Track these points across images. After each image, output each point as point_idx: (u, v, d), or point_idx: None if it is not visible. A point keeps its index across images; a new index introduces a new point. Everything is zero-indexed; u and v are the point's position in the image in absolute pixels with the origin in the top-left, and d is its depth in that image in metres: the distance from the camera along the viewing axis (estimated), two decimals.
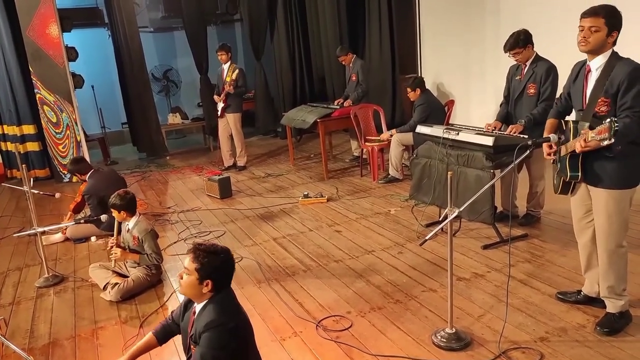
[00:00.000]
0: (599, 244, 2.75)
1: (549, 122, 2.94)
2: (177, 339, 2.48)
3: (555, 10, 5.86)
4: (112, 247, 3.74)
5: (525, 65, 4.05)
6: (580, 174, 2.67)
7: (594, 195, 2.70)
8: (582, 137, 2.52)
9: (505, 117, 4.24)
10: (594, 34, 2.53)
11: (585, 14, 2.56)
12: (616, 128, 2.29)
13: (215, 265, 2.11)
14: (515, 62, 4.13)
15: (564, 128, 2.80)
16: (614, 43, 2.57)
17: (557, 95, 3.09)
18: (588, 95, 2.65)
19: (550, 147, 2.77)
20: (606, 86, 2.54)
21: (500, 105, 4.35)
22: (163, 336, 2.44)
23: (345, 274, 3.76)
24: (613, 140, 2.33)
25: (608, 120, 2.32)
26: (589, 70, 2.66)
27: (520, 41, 3.92)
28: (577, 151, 2.56)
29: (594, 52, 2.59)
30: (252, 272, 3.92)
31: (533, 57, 4.01)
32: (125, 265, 3.86)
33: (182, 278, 2.16)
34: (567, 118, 2.88)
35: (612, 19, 2.52)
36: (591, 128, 2.51)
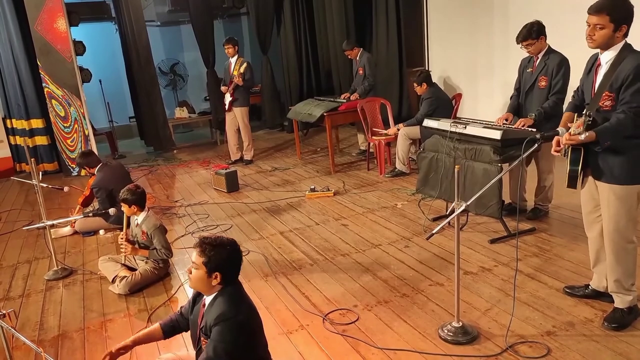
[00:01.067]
0: (606, 239, 2.73)
1: (565, 115, 2.91)
2: (186, 333, 2.50)
3: (564, 4, 5.80)
4: (122, 242, 3.77)
5: (537, 58, 4.01)
6: (579, 168, 2.65)
7: (600, 190, 2.68)
8: (569, 131, 2.53)
9: (517, 108, 4.20)
10: (599, 31, 2.48)
11: (591, 10, 2.50)
12: (589, 122, 2.31)
13: (222, 257, 2.12)
14: (527, 55, 4.09)
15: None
16: (626, 35, 2.51)
17: (573, 88, 3.05)
18: (596, 89, 2.62)
19: (559, 143, 2.75)
20: (612, 80, 2.50)
21: (511, 98, 4.31)
22: (169, 330, 2.44)
23: (351, 268, 3.76)
24: (588, 133, 2.35)
25: (584, 113, 2.33)
26: (599, 64, 2.62)
27: (534, 32, 3.88)
28: (561, 144, 2.57)
29: (602, 47, 2.55)
30: (259, 265, 3.94)
31: (545, 50, 3.97)
32: (134, 258, 3.89)
33: (190, 273, 2.18)
34: None
35: (617, 14, 2.45)
36: (593, 121, 2.50)
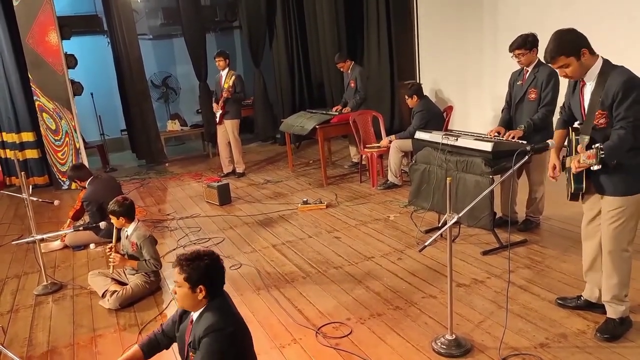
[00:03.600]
0: (604, 247, 2.74)
1: (557, 133, 2.94)
2: (176, 348, 2.47)
3: (552, 19, 5.89)
4: (110, 253, 3.73)
5: (527, 70, 4.07)
6: (584, 185, 2.69)
7: (603, 201, 2.71)
8: (576, 157, 2.58)
9: (508, 122, 4.25)
10: (568, 69, 2.56)
11: (546, 61, 2.60)
12: (602, 155, 2.39)
13: (201, 270, 2.12)
14: (517, 68, 4.14)
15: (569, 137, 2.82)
16: (593, 52, 2.55)
17: (559, 103, 3.10)
18: (586, 108, 2.65)
19: (554, 167, 2.82)
20: (602, 98, 2.54)
21: (502, 111, 4.36)
22: (149, 350, 2.42)
23: (344, 281, 3.75)
24: (600, 166, 2.43)
25: (595, 146, 2.40)
26: (584, 83, 2.66)
27: (528, 42, 3.94)
28: (572, 171, 2.63)
29: (583, 74, 2.60)
30: (252, 278, 3.91)
31: (535, 62, 4.03)
32: (124, 272, 3.85)
33: (175, 292, 2.18)
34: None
35: (568, 48, 2.51)
36: (592, 140, 2.56)
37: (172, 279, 2.18)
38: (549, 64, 2.62)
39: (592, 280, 2.95)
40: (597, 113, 2.57)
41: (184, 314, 2.33)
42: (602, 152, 2.37)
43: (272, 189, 6.48)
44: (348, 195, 5.90)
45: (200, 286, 2.12)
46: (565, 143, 2.87)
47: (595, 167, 2.44)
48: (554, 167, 2.83)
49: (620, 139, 2.46)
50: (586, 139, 2.58)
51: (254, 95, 9.36)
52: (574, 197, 2.82)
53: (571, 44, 2.52)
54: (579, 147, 2.61)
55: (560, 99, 3.29)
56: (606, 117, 2.55)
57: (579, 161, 2.53)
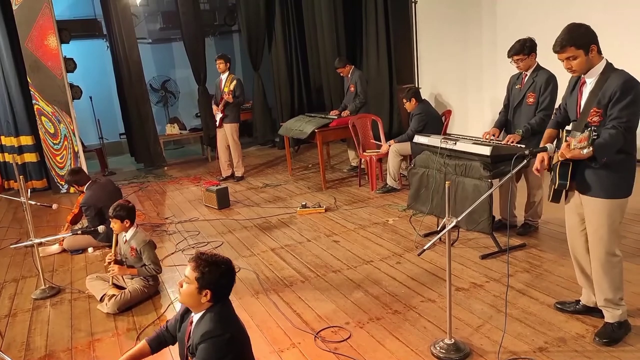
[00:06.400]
0: (592, 253, 2.75)
1: (547, 132, 2.95)
2: (174, 350, 2.47)
3: (551, 22, 5.90)
4: (109, 263, 3.72)
5: (526, 74, 4.09)
6: (568, 182, 2.68)
7: (585, 204, 2.71)
8: (565, 144, 2.55)
9: (504, 124, 4.27)
10: (574, 61, 2.57)
11: (556, 49, 2.60)
12: (594, 137, 2.35)
13: (215, 276, 2.12)
14: (516, 72, 4.16)
15: (560, 136, 2.82)
16: (600, 52, 2.59)
17: (557, 106, 3.11)
18: (582, 106, 2.67)
19: (542, 160, 2.77)
20: (599, 97, 2.56)
21: (499, 113, 4.38)
22: (156, 345, 2.45)
23: (343, 285, 3.74)
24: (592, 148, 2.37)
25: (588, 129, 2.36)
26: (584, 82, 2.69)
27: (526, 48, 3.96)
28: (559, 158, 2.59)
29: (586, 71, 2.62)
30: (250, 282, 3.91)
31: (534, 67, 4.05)
32: (122, 277, 3.84)
33: (182, 286, 2.17)
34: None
35: (580, 41, 2.53)
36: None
37: (184, 272, 2.17)
38: (558, 53, 2.60)
39: (587, 285, 2.95)
40: (592, 111, 2.58)
41: (185, 314, 2.34)
42: (595, 134, 2.36)
43: (271, 192, 6.48)
44: (347, 199, 5.90)
45: (208, 290, 2.12)
46: (555, 144, 2.87)
47: (586, 151, 2.40)
48: (542, 160, 2.76)
49: (611, 137, 2.47)
50: (577, 135, 2.59)
51: (253, 99, 9.38)
52: (556, 195, 2.79)
53: (583, 37, 2.55)
54: (568, 138, 2.60)
55: (558, 103, 3.31)
56: (600, 115, 2.57)
57: (568, 146, 2.51)
